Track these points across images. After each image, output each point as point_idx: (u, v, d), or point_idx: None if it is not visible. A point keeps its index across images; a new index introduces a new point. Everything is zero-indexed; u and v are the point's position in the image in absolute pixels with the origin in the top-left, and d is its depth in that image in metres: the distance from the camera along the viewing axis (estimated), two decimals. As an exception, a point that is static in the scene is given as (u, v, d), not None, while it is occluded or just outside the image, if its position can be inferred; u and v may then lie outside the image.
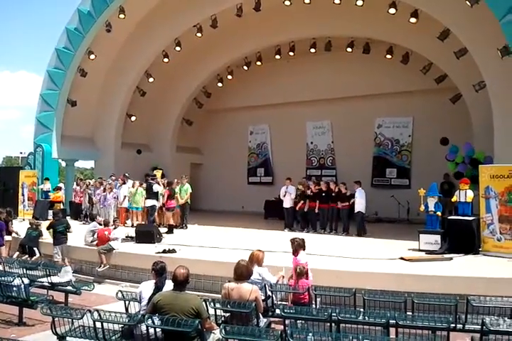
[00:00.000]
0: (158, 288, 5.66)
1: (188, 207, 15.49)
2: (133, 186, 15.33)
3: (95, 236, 11.70)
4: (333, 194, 14.10)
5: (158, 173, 17.99)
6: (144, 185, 14.86)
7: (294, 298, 6.98)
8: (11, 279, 7.41)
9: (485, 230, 10.22)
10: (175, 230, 14.30)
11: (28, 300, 7.34)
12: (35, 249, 11.70)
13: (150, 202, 14.32)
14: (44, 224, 12.43)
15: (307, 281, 7.05)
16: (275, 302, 6.93)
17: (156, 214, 14.66)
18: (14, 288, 7.35)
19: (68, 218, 15.14)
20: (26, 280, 7.64)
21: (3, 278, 7.50)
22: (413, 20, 14.63)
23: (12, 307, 7.59)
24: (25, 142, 53.79)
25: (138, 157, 19.76)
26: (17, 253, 11.90)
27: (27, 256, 11.78)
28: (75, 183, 18.12)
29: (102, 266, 10.91)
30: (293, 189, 14.90)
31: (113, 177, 16.87)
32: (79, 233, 12.52)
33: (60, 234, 11.26)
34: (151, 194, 14.28)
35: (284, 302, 6.96)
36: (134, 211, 15.44)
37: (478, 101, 14.49)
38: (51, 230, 11.49)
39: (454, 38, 13.90)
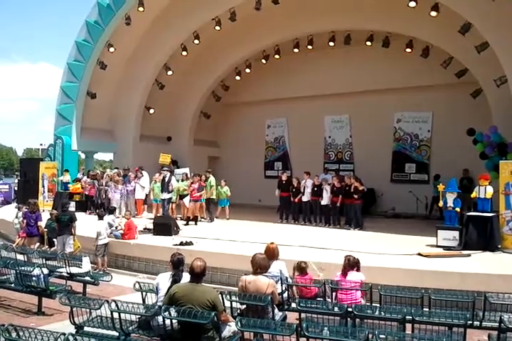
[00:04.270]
0: (175, 280, 5.68)
1: (211, 200, 15.56)
2: (155, 180, 15.54)
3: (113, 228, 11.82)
4: (347, 188, 14.06)
5: (167, 158, 18.07)
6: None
7: (302, 293, 7.00)
8: (31, 269, 7.53)
9: (504, 227, 10.10)
10: (191, 222, 14.48)
11: (47, 289, 7.45)
12: (54, 239, 11.82)
13: (167, 195, 14.69)
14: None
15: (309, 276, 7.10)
16: (291, 296, 6.95)
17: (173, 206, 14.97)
18: (34, 278, 7.46)
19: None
20: (45, 270, 7.75)
21: (23, 268, 7.62)
22: (434, 13, 14.42)
23: (31, 297, 7.72)
24: (45, 133, 54.53)
25: (156, 149, 19.78)
26: (37, 243, 12.07)
27: (46, 246, 11.95)
28: (85, 176, 17.84)
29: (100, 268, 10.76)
30: (310, 183, 14.91)
31: (120, 171, 17.04)
32: (88, 224, 12.61)
33: (62, 225, 11.03)
34: (165, 187, 14.70)
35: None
36: (154, 203, 15.65)
37: (499, 96, 14.27)
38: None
39: (475, 32, 13.70)
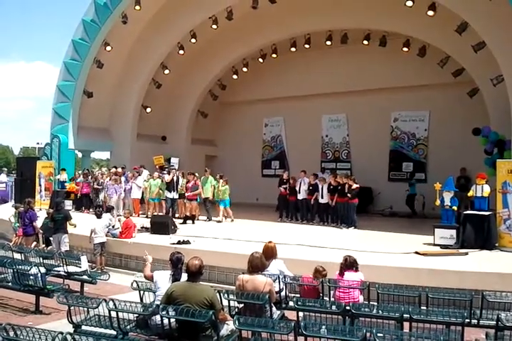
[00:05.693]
0: (175, 279, 5.67)
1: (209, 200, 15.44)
2: (153, 178, 15.50)
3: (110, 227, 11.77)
4: (340, 188, 14.02)
5: (161, 159, 18.08)
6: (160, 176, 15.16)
7: (304, 293, 6.98)
8: (28, 268, 7.51)
9: (501, 225, 10.12)
10: (188, 221, 14.46)
11: (44, 288, 7.43)
12: (51, 238, 11.78)
13: (176, 195, 14.91)
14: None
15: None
16: (288, 294, 6.94)
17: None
18: (31, 277, 7.45)
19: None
20: (43, 269, 7.74)
21: (20, 267, 7.60)
22: (431, 13, 14.41)
23: (29, 296, 7.70)
24: (41, 132, 54.40)
25: (153, 148, 19.80)
26: (34, 242, 12.04)
27: (43, 245, 11.92)
28: (81, 176, 17.62)
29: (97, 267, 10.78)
30: (306, 181, 14.94)
31: (114, 169, 17.02)
32: (85, 222, 12.47)
33: (57, 224, 10.97)
34: (174, 186, 14.84)
35: (297, 295, 6.96)
36: (150, 202, 15.62)
37: (496, 95, 14.28)
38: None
39: (472, 31, 13.70)
